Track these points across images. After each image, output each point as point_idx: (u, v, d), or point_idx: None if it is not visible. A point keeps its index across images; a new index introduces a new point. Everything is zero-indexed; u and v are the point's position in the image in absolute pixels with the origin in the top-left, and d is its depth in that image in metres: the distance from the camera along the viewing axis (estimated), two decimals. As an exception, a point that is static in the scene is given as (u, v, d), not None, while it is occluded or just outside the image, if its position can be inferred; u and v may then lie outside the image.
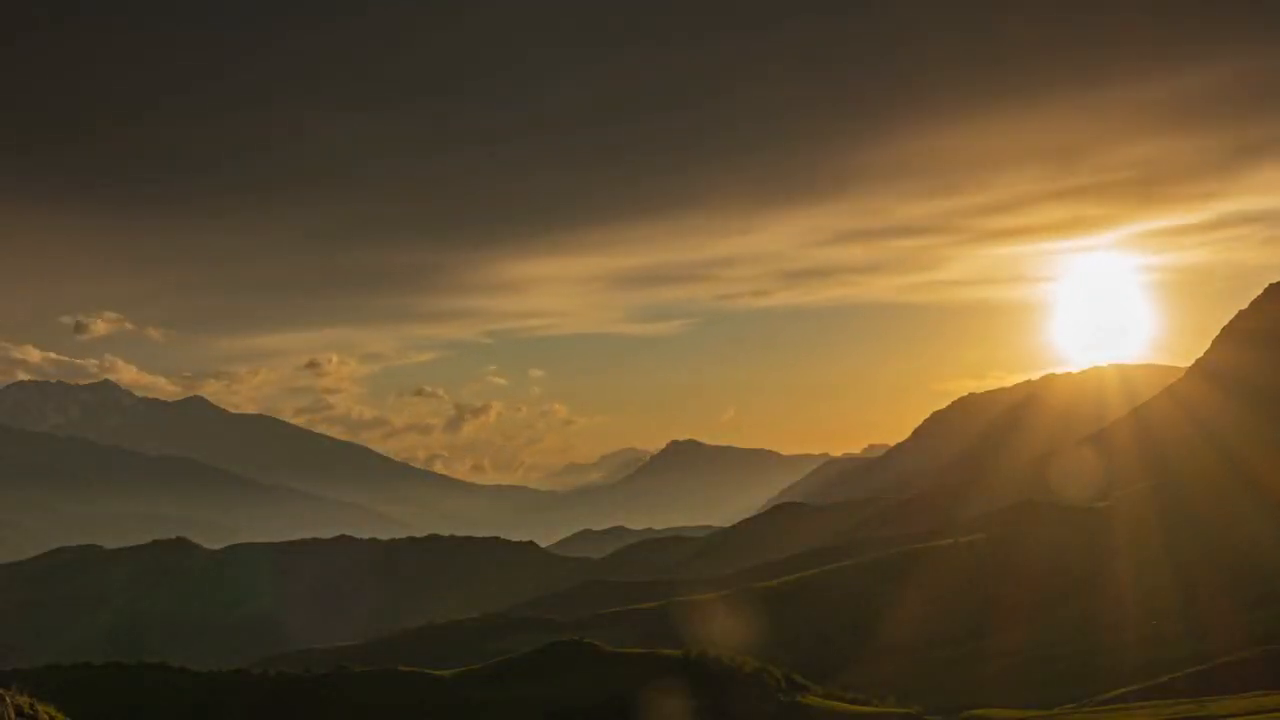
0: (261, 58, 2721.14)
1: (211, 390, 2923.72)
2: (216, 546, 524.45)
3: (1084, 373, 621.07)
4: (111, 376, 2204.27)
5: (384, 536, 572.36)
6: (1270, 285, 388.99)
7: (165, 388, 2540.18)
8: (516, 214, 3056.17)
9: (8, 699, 24.56)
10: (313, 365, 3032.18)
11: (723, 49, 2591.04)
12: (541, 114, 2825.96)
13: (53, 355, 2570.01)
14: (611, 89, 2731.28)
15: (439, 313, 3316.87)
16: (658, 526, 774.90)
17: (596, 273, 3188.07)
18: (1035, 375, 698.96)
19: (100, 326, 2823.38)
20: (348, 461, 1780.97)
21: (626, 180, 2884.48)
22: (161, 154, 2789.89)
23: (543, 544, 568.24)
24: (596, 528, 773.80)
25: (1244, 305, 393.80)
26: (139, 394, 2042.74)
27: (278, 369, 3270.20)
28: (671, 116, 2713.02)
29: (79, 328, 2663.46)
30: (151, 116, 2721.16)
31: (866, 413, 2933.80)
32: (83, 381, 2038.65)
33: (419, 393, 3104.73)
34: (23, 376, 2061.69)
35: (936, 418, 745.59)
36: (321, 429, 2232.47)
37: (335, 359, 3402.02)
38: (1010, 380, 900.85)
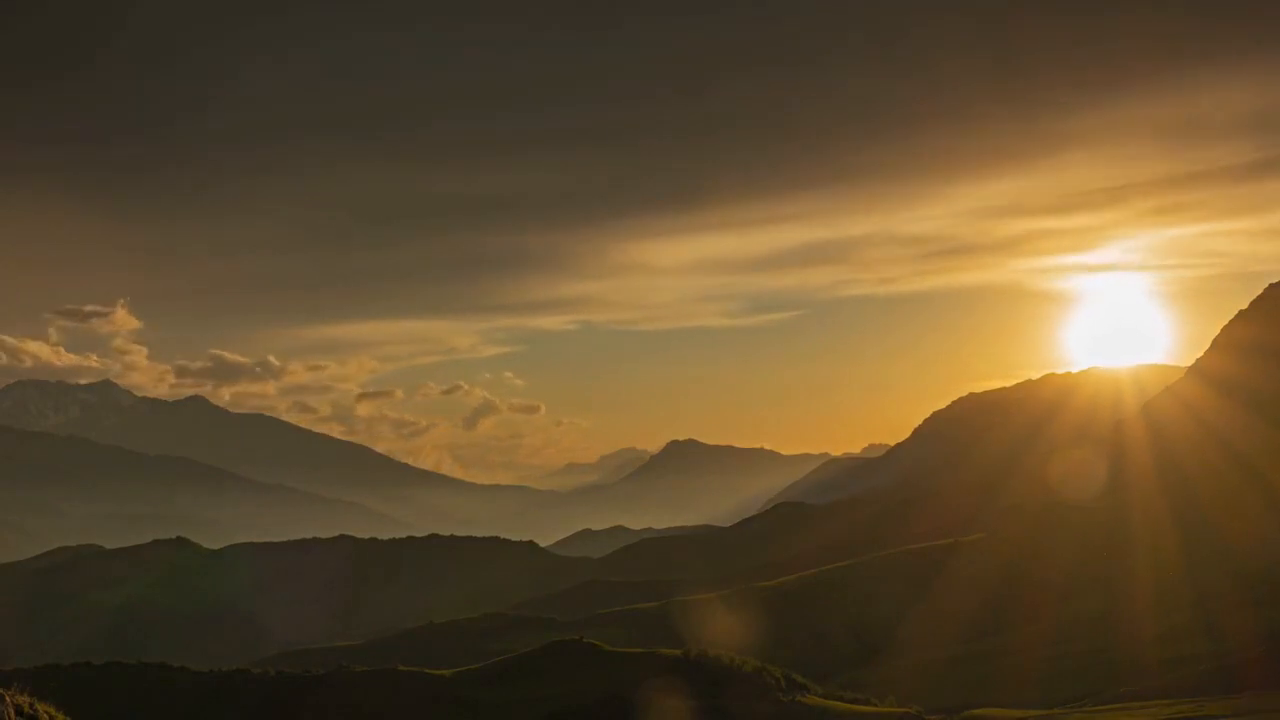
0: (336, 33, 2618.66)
1: (228, 391, 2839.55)
2: (216, 546, 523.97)
3: (1084, 372, 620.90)
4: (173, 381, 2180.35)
5: (384, 536, 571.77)
6: (1271, 285, 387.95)
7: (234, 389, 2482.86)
8: (621, 195, 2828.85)
9: (8, 699, 24.59)
10: (352, 362, 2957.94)
11: (872, 12, 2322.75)
12: (645, 83, 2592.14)
13: (54, 354, 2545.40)
14: (725, 47, 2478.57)
15: (524, 304, 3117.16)
16: (658, 526, 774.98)
17: (710, 257, 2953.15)
18: (1035, 375, 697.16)
19: (123, 321, 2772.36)
20: (348, 461, 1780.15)
21: (756, 156, 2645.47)
22: (200, 134, 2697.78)
23: (543, 544, 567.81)
24: (596, 528, 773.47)
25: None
26: (139, 394, 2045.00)
27: (341, 364, 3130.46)
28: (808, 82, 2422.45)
29: (89, 321, 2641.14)
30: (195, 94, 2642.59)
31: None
32: (83, 381, 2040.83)
33: (454, 390, 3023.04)
34: (23, 375, 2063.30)
35: (937, 417, 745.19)
36: (344, 429, 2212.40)
37: (386, 355, 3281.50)
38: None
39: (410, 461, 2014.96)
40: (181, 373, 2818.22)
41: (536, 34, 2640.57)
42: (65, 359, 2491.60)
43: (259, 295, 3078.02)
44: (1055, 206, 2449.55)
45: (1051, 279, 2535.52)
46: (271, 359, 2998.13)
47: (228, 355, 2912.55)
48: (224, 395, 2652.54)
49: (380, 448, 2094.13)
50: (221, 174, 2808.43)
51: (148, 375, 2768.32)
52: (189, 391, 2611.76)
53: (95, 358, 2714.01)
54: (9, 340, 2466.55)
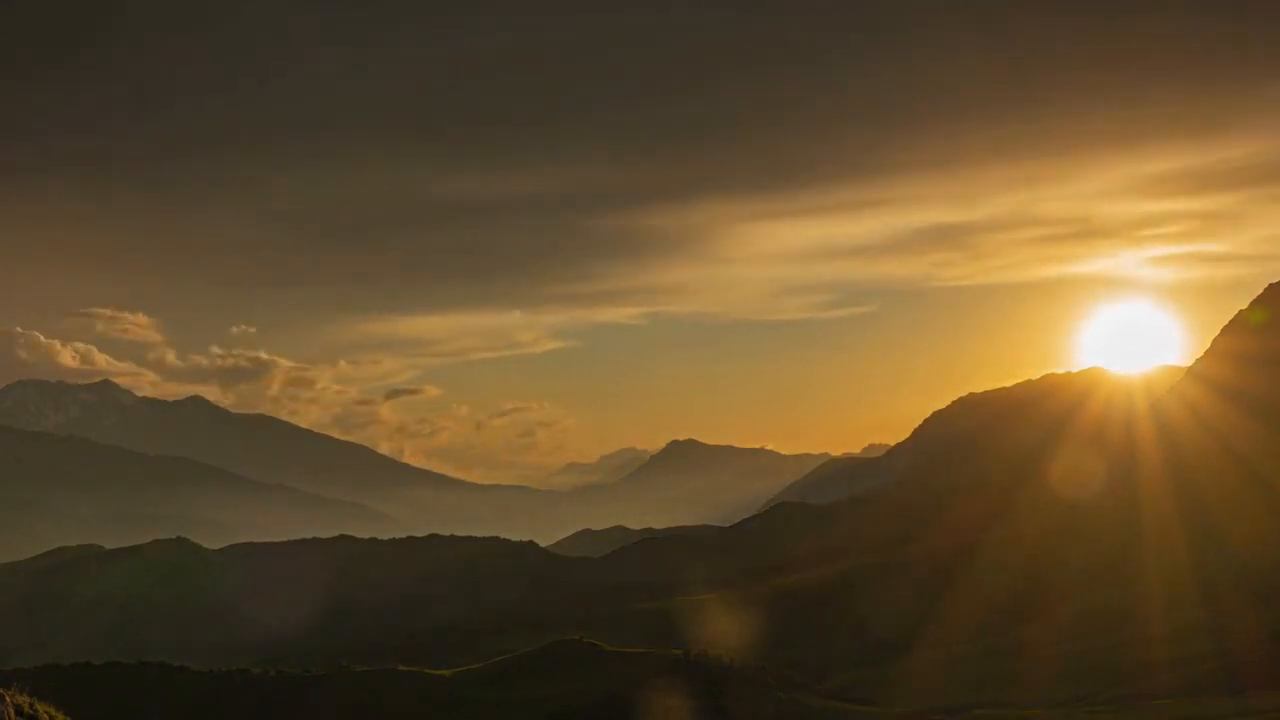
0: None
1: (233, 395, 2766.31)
2: (216, 546, 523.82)
3: (1084, 372, 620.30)
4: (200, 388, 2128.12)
5: (384, 536, 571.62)
6: (1270, 285, 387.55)
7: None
8: (717, 176, 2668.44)
9: (8, 699, 24.36)
10: (399, 359, 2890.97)
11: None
12: (742, 53, 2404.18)
13: (68, 354, 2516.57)
14: (822, 25, 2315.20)
15: (591, 294, 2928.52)
16: (658, 526, 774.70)
17: (803, 246, 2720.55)
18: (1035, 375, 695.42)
19: (138, 321, 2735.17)
20: (348, 461, 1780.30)
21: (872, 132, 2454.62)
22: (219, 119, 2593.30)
23: (543, 544, 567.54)
24: (596, 528, 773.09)
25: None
26: (139, 394, 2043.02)
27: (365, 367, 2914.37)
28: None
29: (103, 320, 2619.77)
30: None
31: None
32: (83, 381, 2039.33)
33: (490, 387, 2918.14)
34: (26, 375, 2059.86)
35: (936, 417, 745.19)
36: (352, 428, 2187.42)
37: (440, 351, 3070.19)
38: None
39: (414, 461, 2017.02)
40: (208, 372, 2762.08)
41: (624, 17, 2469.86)
42: (80, 359, 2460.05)
43: (306, 289, 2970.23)
44: (1193, 190, 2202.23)
45: (1156, 269, 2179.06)
46: (321, 360, 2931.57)
47: (261, 355, 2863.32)
48: (248, 393, 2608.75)
49: (386, 447, 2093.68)
50: (267, 165, 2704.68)
51: (171, 375, 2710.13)
52: (215, 390, 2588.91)
53: (109, 358, 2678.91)
54: (25, 341, 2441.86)
